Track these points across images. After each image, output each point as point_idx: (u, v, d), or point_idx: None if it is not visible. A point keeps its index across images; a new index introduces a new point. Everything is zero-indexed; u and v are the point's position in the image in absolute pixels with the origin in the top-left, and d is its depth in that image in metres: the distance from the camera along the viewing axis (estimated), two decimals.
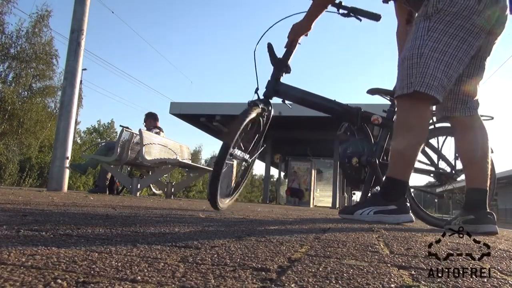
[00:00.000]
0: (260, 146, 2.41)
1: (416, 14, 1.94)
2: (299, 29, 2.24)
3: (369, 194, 2.09)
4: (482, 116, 2.32)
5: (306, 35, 2.29)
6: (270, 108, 2.28)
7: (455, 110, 1.97)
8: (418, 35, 1.82)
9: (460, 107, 1.96)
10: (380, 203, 1.96)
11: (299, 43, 2.30)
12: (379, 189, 2.07)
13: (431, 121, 2.34)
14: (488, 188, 1.86)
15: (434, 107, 2.10)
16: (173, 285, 0.49)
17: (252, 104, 2.13)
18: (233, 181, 2.77)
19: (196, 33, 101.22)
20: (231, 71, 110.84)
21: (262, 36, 2.31)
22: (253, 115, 2.08)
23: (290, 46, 2.28)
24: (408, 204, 2.00)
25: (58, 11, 52.34)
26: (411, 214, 2.00)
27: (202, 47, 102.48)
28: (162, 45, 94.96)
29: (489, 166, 1.89)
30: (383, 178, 2.03)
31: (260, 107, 2.15)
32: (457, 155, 2.30)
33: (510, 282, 0.65)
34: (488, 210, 1.80)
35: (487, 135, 1.94)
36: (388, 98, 2.59)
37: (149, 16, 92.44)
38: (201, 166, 6.70)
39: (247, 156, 2.33)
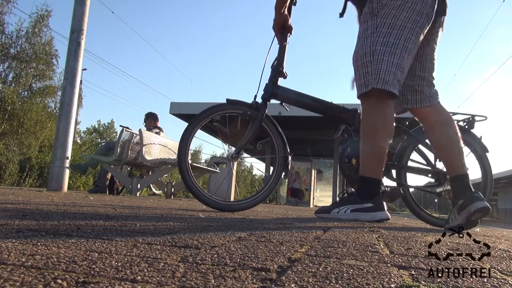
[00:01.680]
0: (250, 144, 2.45)
1: (362, 13, 1.95)
2: (276, 22, 2.19)
3: (346, 194, 2.10)
4: (476, 116, 2.33)
5: (290, 32, 2.23)
6: (262, 109, 2.26)
7: (415, 101, 2.01)
8: (368, 33, 1.84)
9: (420, 98, 2.00)
10: (357, 201, 1.98)
11: (288, 40, 2.26)
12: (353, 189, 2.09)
13: None
14: (467, 172, 1.89)
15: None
16: (173, 285, 0.49)
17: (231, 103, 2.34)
18: (233, 182, 2.82)
19: (197, 33, 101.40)
20: (231, 71, 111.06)
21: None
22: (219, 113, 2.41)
23: (281, 48, 2.25)
24: (384, 202, 2.02)
25: (58, 11, 52.43)
26: (387, 212, 2.02)
27: (202, 47, 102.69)
28: (162, 45, 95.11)
29: (462, 150, 1.92)
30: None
31: (239, 107, 2.27)
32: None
33: (510, 282, 0.65)
34: (473, 190, 1.81)
35: (453, 121, 1.99)
36: None
37: (149, 16, 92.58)
38: (201, 166, 6.70)
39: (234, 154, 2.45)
